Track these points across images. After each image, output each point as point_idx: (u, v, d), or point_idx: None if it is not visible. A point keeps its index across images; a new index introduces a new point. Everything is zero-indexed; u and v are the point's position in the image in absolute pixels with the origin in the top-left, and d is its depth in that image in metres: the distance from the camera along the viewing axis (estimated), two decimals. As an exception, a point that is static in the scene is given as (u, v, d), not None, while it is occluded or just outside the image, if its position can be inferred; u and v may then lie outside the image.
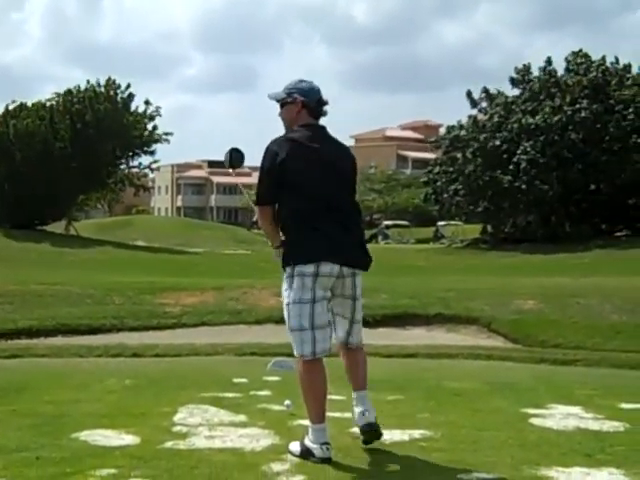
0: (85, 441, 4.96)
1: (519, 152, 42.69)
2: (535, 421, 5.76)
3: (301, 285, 4.76)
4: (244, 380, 7.39)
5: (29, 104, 48.66)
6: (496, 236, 46.04)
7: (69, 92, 48.89)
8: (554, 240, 40.96)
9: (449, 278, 25.58)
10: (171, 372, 8.43)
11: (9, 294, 18.37)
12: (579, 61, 45.44)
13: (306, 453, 4.68)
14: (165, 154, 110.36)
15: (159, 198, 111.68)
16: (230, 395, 6.58)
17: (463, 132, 46.31)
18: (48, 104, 48.85)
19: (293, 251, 4.83)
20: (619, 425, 5.65)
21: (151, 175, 67.10)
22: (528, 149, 42.42)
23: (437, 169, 47.70)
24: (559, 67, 46.29)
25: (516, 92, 47.07)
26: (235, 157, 5.33)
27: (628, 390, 7.55)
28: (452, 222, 55.80)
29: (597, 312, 17.12)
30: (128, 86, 50.05)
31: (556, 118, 42.71)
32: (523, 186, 42.10)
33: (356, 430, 5.15)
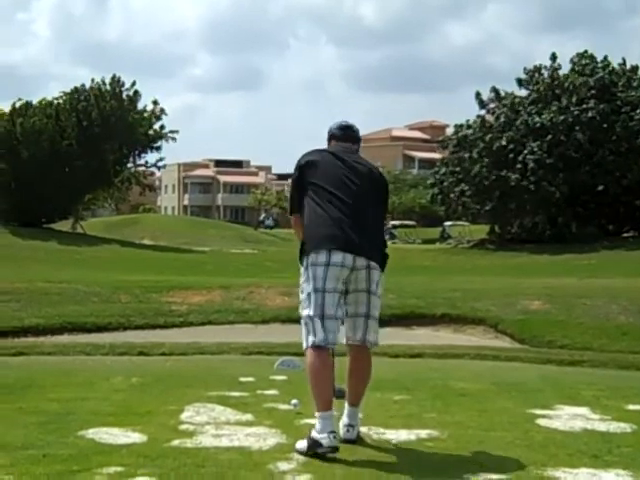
0: (92, 439, 4.96)
1: (526, 152, 42.66)
2: (542, 422, 5.74)
3: (313, 275, 4.85)
4: (251, 379, 7.38)
5: (36, 103, 48.75)
6: (503, 237, 46.01)
7: (75, 90, 48.96)
8: (561, 241, 40.93)
9: (456, 278, 25.56)
10: (177, 370, 8.43)
11: (16, 292, 18.40)
12: (584, 62, 45.41)
13: (313, 446, 4.68)
14: (172, 153, 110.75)
15: (166, 197, 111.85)
16: (237, 394, 6.57)
17: (470, 132, 46.29)
18: (55, 102, 48.93)
19: (307, 242, 4.94)
20: (626, 426, 5.64)
21: (158, 174, 67.22)
22: (535, 149, 42.39)
23: (444, 169, 47.68)
24: (565, 68, 46.33)
25: (524, 93, 47.05)
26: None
27: (635, 391, 7.52)
28: (459, 222, 55.74)
29: (604, 313, 17.09)
30: (133, 84, 50.17)
31: (562, 118, 42.68)
32: (530, 186, 42.06)
33: (363, 430, 5.16)
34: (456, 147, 47.07)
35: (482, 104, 47.63)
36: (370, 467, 4.52)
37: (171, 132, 50.84)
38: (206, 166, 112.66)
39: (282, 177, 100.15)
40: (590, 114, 42.27)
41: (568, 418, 5.87)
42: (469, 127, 46.87)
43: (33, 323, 15.79)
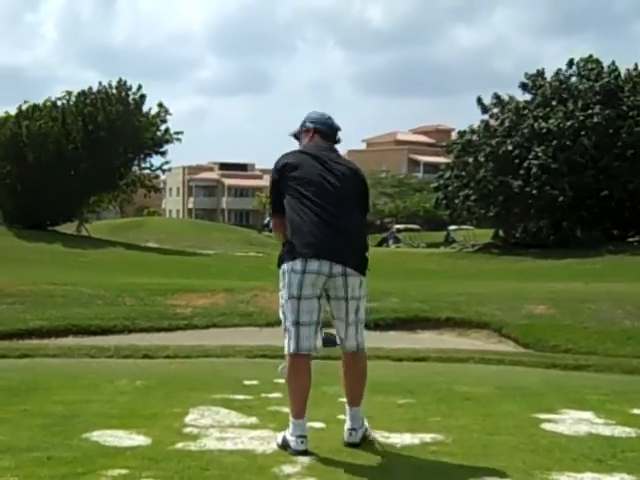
0: (96, 441, 4.97)
1: (530, 157, 42.64)
2: (546, 426, 5.74)
3: (289, 282, 4.89)
4: (255, 382, 7.39)
5: (41, 104, 48.78)
6: (507, 241, 45.95)
7: (82, 93, 49.01)
8: (565, 245, 40.88)
9: (460, 282, 25.54)
10: (182, 373, 8.44)
11: (20, 294, 18.41)
12: (590, 67, 45.38)
13: (284, 445, 4.87)
14: (177, 156, 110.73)
15: (170, 200, 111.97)
16: (241, 397, 6.58)
17: (475, 137, 46.27)
18: (59, 103, 48.98)
19: (284, 251, 4.96)
20: (631, 431, 5.64)
21: (162, 177, 67.17)
22: (539, 154, 42.35)
23: (448, 174, 47.64)
24: (570, 73, 46.24)
25: (527, 97, 47.03)
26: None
27: (640, 396, 7.52)
28: (463, 226, 55.72)
29: (609, 317, 17.06)
30: (139, 87, 50.16)
31: (568, 123, 42.65)
32: (534, 191, 42.02)
33: (375, 435, 5.17)
34: (461, 152, 47.04)
35: (484, 109, 47.60)
36: (374, 471, 4.53)
37: (176, 133, 50.86)
38: (211, 169, 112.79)
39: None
40: (596, 119, 42.21)
41: (573, 422, 5.87)
42: (473, 132, 46.85)
43: (37, 325, 15.79)
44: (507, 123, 44.84)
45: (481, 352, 12.55)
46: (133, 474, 4.28)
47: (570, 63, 46.28)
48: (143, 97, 49.93)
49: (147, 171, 53.20)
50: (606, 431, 5.63)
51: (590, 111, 42.67)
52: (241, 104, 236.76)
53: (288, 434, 4.87)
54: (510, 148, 43.49)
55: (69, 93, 49.40)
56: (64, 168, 45.67)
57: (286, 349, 5.00)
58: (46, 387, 7.00)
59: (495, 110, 47.28)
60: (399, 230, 66.29)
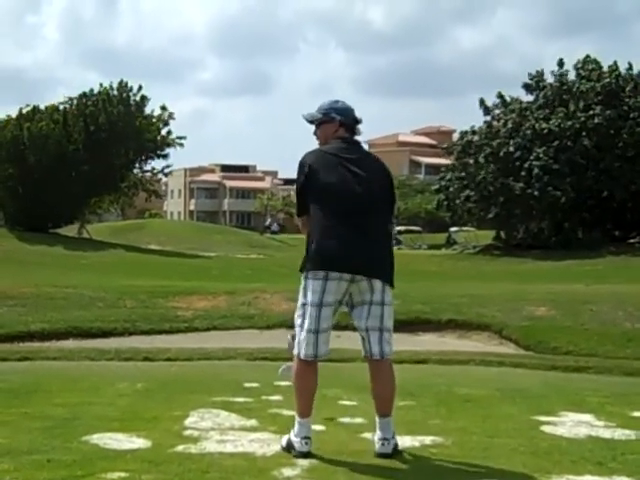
0: (96, 444, 4.97)
1: (532, 158, 42.64)
2: (546, 428, 5.74)
3: (312, 288, 4.85)
4: (255, 385, 7.39)
5: (43, 107, 48.83)
6: (508, 242, 45.96)
7: (83, 95, 49.05)
8: (567, 246, 40.90)
9: (461, 284, 25.53)
10: (182, 376, 8.44)
11: (21, 296, 18.41)
12: (590, 67, 45.37)
13: (288, 447, 4.86)
14: (178, 158, 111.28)
15: (172, 202, 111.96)
16: (241, 400, 6.58)
17: (476, 138, 46.27)
18: (61, 107, 49.02)
19: (307, 258, 4.90)
20: (631, 433, 5.63)
21: (164, 179, 67.21)
22: (541, 155, 42.36)
23: (449, 175, 47.66)
24: (571, 73, 46.25)
25: (530, 98, 47.03)
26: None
27: (640, 398, 7.52)
28: (464, 228, 55.72)
29: (610, 319, 17.04)
30: (140, 88, 50.18)
31: (569, 124, 42.65)
32: (535, 192, 42.03)
33: (366, 435, 5.16)
34: (461, 153, 47.05)
35: (487, 110, 47.60)
36: (374, 474, 4.53)
37: (178, 138, 50.87)
38: (212, 171, 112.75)
39: (288, 182, 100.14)
40: (597, 120, 42.24)
41: (573, 425, 5.87)
42: (474, 133, 46.85)
43: (38, 328, 15.78)
44: (510, 124, 44.85)
45: (482, 354, 12.54)
46: (133, 477, 4.28)
47: (561, 63, 46.21)
48: (144, 98, 49.95)
49: (148, 174, 53.18)
50: (606, 434, 5.63)
51: (591, 112, 42.67)
52: (243, 105, 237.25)
53: (293, 435, 4.86)
54: (512, 149, 43.49)
55: (71, 99, 49.42)
56: (65, 170, 45.69)
57: (297, 352, 4.94)
58: (47, 390, 7.00)
59: (497, 111, 47.28)
60: (400, 232, 66.24)
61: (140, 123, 48.70)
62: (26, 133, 45.87)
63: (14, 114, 47.96)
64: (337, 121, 5.11)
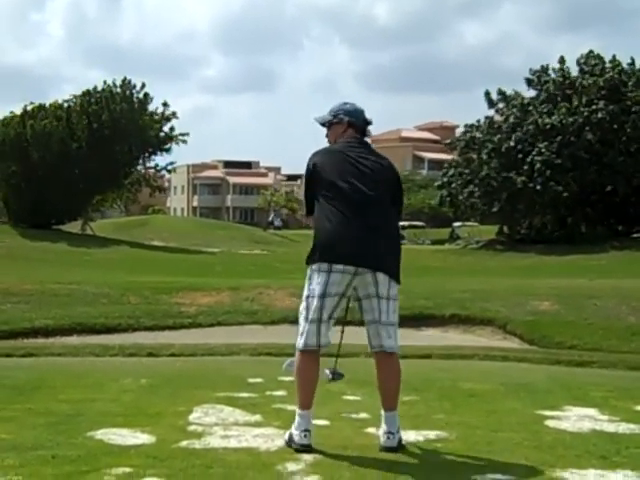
0: (101, 440, 4.97)
1: (534, 153, 42.60)
2: (550, 423, 5.74)
3: (317, 280, 4.89)
4: (259, 380, 7.39)
5: (47, 105, 48.87)
6: (512, 237, 45.95)
7: (87, 92, 49.08)
8: (570, 241, 40.87)
9: (465, 279, 25.52)
10: (186, 372, 8.44)
11: (25, 293, 18.44)
12: (593, 62, 45.29)
13: (290, 440, 4.88)
14: (181, 154, 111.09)
15: (175, 198, 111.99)
16: (245, 395, 6.58)
17: (479, 133, 46.23)
18: (65, 105, 49.06)
19: (312, 252, 4.96)
20: (635, 427, 5.63)
21: (167, 175, 67.22)
22: (543, 150, 42.31)
23: (452, 171, 47.62)
24: (574, 69, 46.20)
25: (532, 93, 46.96)
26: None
27: (644, 392, 7.51)
28: (468, 223, 55.70)
29: (613, 314, 17.05)
30: (143, 86, 50.22)
31: (572, 119, 42.59)
32: (538, 187, 41.99)
33: (371, 430, 5.16)
34: (464, 148, 47.01)
35: (491, 103, 47.51)
36: (378, 468, 4.52)
37: (181, 135, 50.90)
38: (215, 167, 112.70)
39: (291, 178, 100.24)
40: (600, 115, 42.17)
41: (577, 419, 5.86)
42: (477, 128, 46.81)
43: (43, 324, 15.82)
44: (512, 119, 44.80)
45: (486, 349, 12.55)
46: (137, 472, 4.28)
47: (562, 60, 46.15)
48: (147, 95, 49.98)
49: (152, 170, 53.22)
50: (610, 428, 5.62)
51: (594, 107, 42.60)
52: (246, 102, 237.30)
53: (293, 428, 4.89)
54: (513, 144, 43.45)
55: (75, 97, 49.46)
56: (68, 167, 45.75)
57: (300, 341, 4.96)
58: (51, 386, 7.01)
59: (500, 105, 47.20)
60: (403, 227, 66.23)
61: (143, 120, 48.73)
62: (30, 130, 45.93)
63: (18, 111, 48.09)
64: (345, 122, 5.19)
